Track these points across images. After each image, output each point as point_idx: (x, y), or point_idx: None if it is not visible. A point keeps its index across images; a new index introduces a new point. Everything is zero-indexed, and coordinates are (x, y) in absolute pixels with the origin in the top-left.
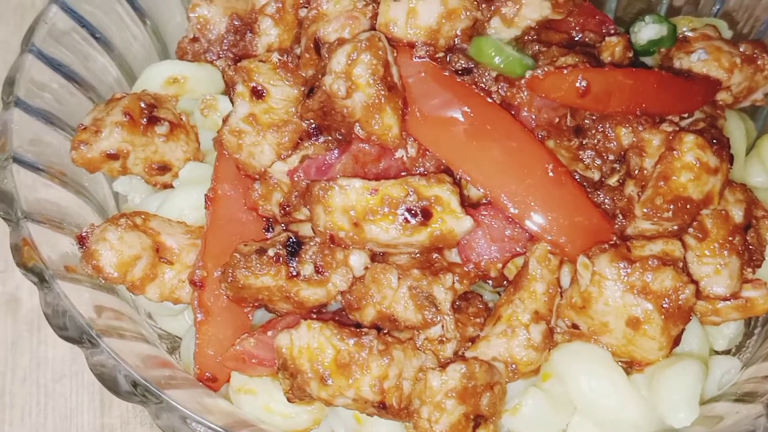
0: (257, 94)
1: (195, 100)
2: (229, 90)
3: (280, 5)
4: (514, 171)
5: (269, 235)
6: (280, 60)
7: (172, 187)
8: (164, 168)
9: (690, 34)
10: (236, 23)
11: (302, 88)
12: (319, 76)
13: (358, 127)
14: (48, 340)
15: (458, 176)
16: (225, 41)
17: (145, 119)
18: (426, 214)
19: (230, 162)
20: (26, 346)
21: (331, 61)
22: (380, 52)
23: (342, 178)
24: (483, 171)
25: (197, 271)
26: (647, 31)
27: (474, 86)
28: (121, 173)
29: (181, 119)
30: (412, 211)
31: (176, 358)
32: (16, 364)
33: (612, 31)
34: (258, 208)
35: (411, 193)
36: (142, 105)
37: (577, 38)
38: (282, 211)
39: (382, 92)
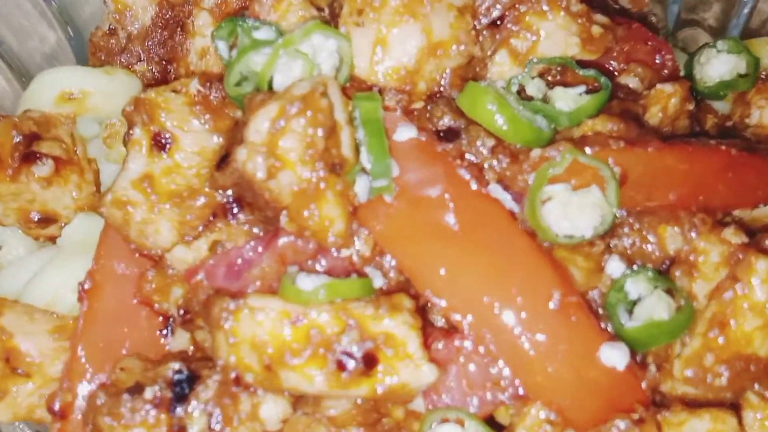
0: (159, 144)
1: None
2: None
3: None
4: (503, 298)
5: (166, 341)
6: (199, 92)
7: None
8: (48, 220)
9: None
10: (166, 14)
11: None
12: (238, 137)
13: (286, 218)
14: None
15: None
16: (150, 39)
17: (16, 159)
18: (369, 361)
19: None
20: None
21: (248, 127)
22: (321, 116)
23: (255, 295)
24: (460, 294)
25: (59, 393)
26: (718, 64)
27: (459, 160)
28: None
29: (75, 153)
30: (350, 355)
31: None
32: None
33: (669, 63)
34: (153, 303)
35: (351, 328)
36: (16, 138)
37: (616, 73)
38: (181, 316)
39: (323, 174)
